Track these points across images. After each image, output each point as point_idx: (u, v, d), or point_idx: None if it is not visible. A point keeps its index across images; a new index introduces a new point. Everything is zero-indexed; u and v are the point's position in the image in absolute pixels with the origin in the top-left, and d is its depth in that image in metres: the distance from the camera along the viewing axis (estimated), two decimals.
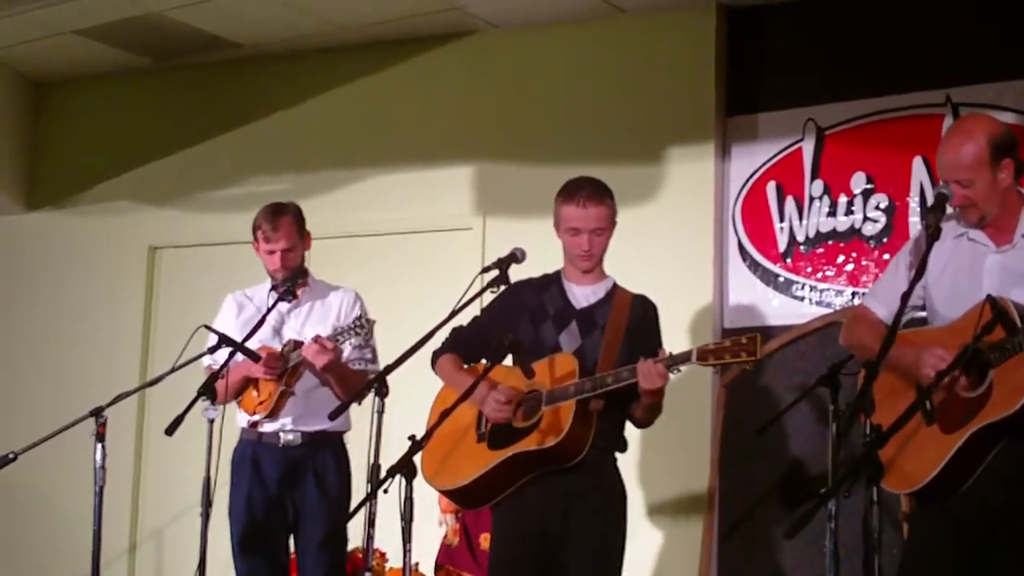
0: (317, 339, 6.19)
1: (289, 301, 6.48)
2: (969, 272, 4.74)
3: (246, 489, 6.44)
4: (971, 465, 4.50)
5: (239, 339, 6.24)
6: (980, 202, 4.68)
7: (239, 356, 6.24)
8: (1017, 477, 4.49)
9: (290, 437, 6.43)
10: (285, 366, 6.33)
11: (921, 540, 4.79)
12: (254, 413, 6.44)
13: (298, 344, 6.32)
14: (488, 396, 5.38)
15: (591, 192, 5.49)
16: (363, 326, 6.14)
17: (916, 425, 4.44)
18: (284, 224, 6.48)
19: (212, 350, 6.29)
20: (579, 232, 5.47)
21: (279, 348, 6.41)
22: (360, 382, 6.11)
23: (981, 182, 4.65)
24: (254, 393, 6.47)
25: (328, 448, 6.49)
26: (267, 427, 6.45)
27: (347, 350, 6.35)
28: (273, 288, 6.50)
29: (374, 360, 6.50)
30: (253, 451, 6.48)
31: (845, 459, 5.82)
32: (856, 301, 7.25)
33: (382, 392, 5.18)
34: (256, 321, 6.32)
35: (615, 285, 5.63)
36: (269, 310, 6.35)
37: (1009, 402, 4.38)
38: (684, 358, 5.10)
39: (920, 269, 4.48)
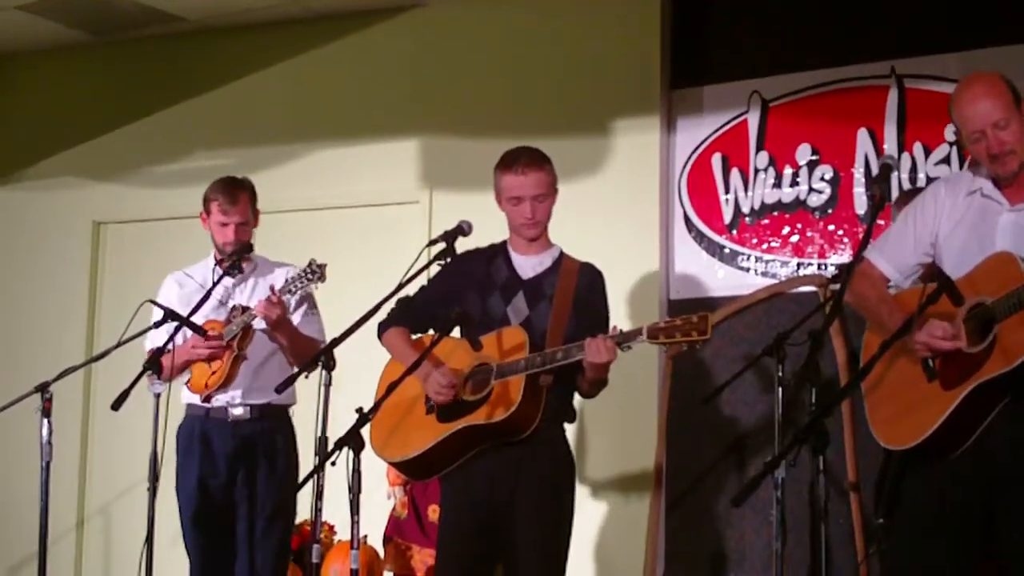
0: (268, 297, 6.21)
1: (234, 275, 6.46)
2: (979, 229, 4.61)
3: (197, 465, 6.42)
4: (972, 422, 4.40)
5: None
6: (1018, 146, 4.53)
7: (184, 333, 6.24)
8: (1019, 436, 4.39)
9: (239, 412, 6.42)
10: (233, 336, 6.33)
11: (918, 507, 4.65)
12: (206, 387, 6.41)
13: (245, 309, 6.32)
14: (431, 376, 5.39)
15: (529, 159, 5.51)
16: (315, 271, 6.13)
17: (916, 381, 4.41)
18: (242, 199, 6.52)
19: (158, 324, 6.26)
20: (521, 200, 5.49)
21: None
22: (311, 349, 6.13)
23: (1015, 124, 4.52)
24: (205, 365, 6.43)
25: (276, 421, 6.49)
26: (216, 401, 6.43)
27: (296, 318, 6.38)
28: (218, 263, 6.49)
29: (321, 333, 6.50)
30: (202, 427, 6.46)
31: (793, 428, 5.84)
32: (801, 272, 7.30)
33: (329, 365, 5.17)
34: (200, 296, 6.31)
35: (562, 253, 5.63)
36: (215, 284, 6.34)
37: (1007, 359, 4.29)
38: (634, 335, 5.09)
39: (863, 241, 4.43)
